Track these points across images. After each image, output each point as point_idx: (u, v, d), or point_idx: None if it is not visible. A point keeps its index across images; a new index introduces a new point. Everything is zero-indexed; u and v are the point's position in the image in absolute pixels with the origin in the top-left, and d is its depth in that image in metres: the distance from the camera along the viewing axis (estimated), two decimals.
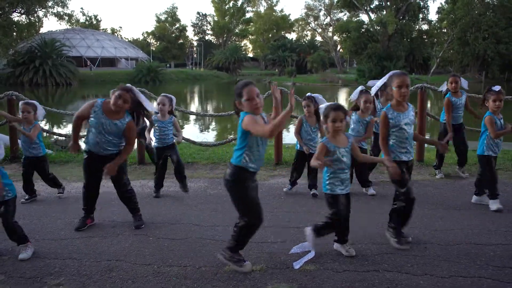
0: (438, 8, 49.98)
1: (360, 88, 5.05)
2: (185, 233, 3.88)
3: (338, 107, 3.24)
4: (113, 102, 3.76)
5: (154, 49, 74.46)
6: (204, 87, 45.33)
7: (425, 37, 49.82)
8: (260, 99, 2.95)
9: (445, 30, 48.67)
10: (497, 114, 4.36)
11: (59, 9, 43.34)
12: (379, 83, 3.92)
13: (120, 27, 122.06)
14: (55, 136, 8.93)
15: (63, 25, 74.43)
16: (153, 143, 5.14)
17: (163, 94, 5.32)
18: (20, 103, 5.04)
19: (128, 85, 4.09)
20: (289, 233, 3.85)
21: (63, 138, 8.64)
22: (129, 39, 76.81)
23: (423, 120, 6.36)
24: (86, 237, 3.84)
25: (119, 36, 75.37)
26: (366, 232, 3.81)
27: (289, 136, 11.17)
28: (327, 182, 3.27)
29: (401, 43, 44.08)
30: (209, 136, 13.83)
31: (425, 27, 49.40)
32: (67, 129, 14.34)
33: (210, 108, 27.65)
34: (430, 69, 49.95)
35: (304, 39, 73.15)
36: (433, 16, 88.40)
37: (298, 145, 5.05)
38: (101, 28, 74.09)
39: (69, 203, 4.86)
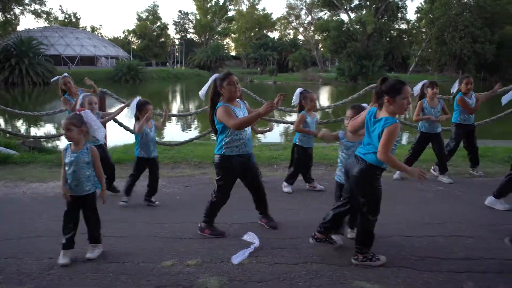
0: (417, 7, 50.87)
1: (299, 90, 5.09)
2: (132, 230, 3.98)
3: None
4: None
5: (135, 47, 73.84)
6: (185, 86, 45.15)
7: (404, 36, 50.62)
8: None
9: (424, 30, 49.60)
10: None
11: (37, 6, 42.81)
12: None
13: (101, 25, 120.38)
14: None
15: (41, 23, 73.35)
16: None
17: (86, 94, 5.29)
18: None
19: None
20: (232, 228, 3.99)
21: (31, 139, 8.60)
22: (110, 38, 76.04)
23: None
24: (34, 236, 3.90)
25: (99, 34, 74.51)
26: (305, 226, 3.97)
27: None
28: None
29: (380, 42, 44.65)
30: (192, 135, 13.85)
31: (403, 26, 50.15)
32: (38, 130, 14.22)
33: (192, 107, 27.58)
34: (409, 68, 50.87)
35: (286, 38, 73.41)
36: (412, 15, 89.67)
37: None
38: (81, 26, 73.13)
39: (23, 204, 4.91)
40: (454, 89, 5.82)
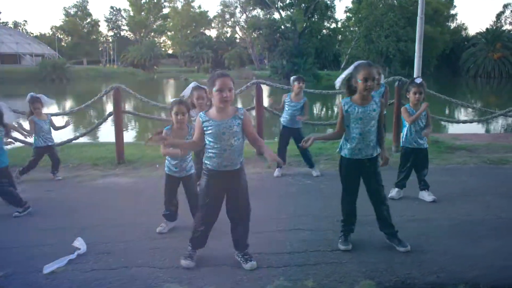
0: (346, 7, 52.79)
1: (192, 84, 4.86)
2: None
3: None
4: None
5: (65, 45, 70.20)
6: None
7: (335, 35, 52.27)
8: None
9: (353, 29, 51.55)
10: (417, 106, 4.38)
11: None
12: (343, 75, 3.58)
13: (25, 21, 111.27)
14: None
15: None
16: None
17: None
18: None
19: None
20: (68, 234, 3.74)
21: None
22: (36, 34, 71.50)
23: (260, 115, 6.62)
24: None
25: (23, 30, 69.95)
26: (144, 228, 3.82)
27: None
28: None
29: (311, 41, 45.76)
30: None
31: (333, 25, 51.80)
32: None
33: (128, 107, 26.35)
34: (341, 65, 52.66)
35: (224, 36, 73.18)
36: (342, 15, 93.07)
37: None
38: (1, 21, 68.19)
39: None
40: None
